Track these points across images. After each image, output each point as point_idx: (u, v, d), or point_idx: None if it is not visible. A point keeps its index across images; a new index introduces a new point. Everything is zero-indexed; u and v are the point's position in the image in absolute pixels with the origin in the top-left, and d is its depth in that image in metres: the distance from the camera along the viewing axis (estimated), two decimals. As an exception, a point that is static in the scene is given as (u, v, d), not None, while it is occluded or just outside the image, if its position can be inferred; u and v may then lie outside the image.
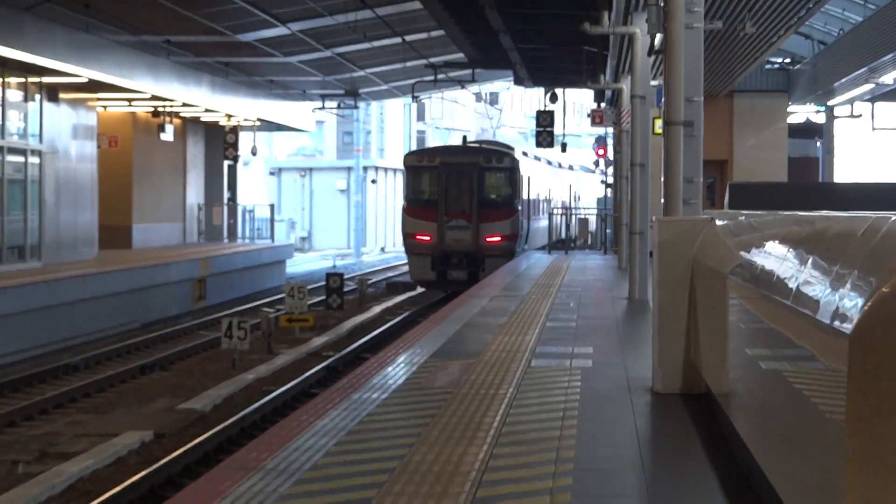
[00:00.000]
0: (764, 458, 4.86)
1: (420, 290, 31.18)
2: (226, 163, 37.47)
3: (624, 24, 17.80)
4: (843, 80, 26.60)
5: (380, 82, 37.43)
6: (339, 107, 39.65)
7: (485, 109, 56.83)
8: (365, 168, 53.84)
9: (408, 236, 29.61)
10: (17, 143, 23.42)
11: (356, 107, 40.56)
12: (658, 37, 11.83)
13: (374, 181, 56.16)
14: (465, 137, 36.26)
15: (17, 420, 14.34)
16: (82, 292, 21.60)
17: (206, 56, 29.01)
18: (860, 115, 31.96)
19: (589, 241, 36.73)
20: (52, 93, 24.56)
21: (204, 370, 18.04)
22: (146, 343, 21.27)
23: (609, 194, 40.19)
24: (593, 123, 30.81)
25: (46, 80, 24.01)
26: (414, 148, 60.79)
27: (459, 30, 25.96)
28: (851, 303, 3.25)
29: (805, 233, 4.77)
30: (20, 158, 23.53)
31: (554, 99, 34.16)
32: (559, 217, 36.60)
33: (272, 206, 39.78)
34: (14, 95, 23.37)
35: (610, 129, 36.78)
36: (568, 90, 36.41)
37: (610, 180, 41.20)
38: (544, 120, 32.53)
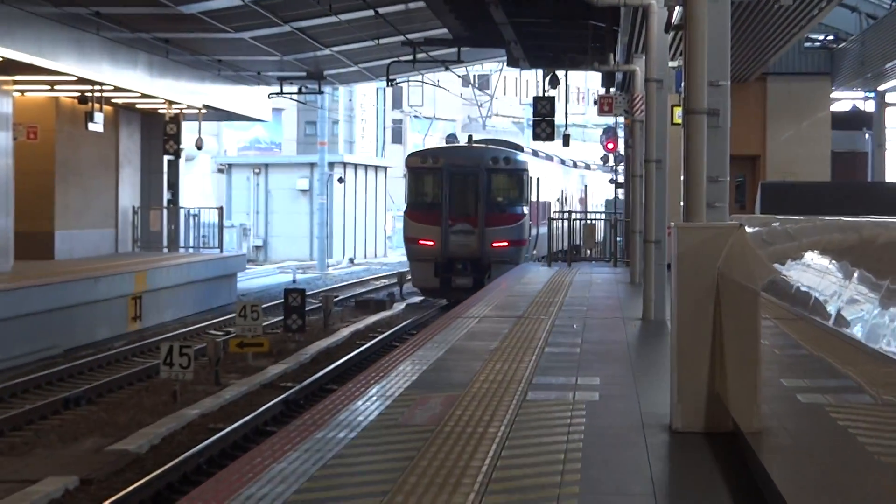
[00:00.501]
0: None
1: (397, 309, 31.87)
2: (166, 158, 37.36)
3: (637, -7, 17.84)
4: (897, 61, 26.78)
5: (348, 63, 37.47)
6: (299, 92, 39.65)
7: (473, 95, 56.88)
8: (331, 164, 53.80)
9: (410, 241, 32.68)
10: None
11: (320, 92, 40.48)
12: (678, 9, 11.87)
13: (341, 180, 56.12)
14: (470, 137, 38.38)
15: (-84, 464, 14.28)
16: (-8, 312, 21.53)
17: (143, 31, 28.94)
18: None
19: (592, 252, 36.73)
20: (-44, 75, 24.54)
21: (139, 404, 17.97)
22: (70, 372, 21.17)
23: (619, 195, 40.28)
24: (601, 112, 30.70)
25: (-50, 59, 24.00)
26: (388, 140, 60.92)
27: (442, 0, 25.97)
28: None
29: (850, 241, 4.78)
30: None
31: (554, 83, 34.11)
32: (561, 223, 36.61)
33: (221, 210, 39.75)
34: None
35: (621, 119, 36.87)
36: (571, 73, 36.42)
37: (620, 179, 41.29)
38: (543, 108, 32.48)
